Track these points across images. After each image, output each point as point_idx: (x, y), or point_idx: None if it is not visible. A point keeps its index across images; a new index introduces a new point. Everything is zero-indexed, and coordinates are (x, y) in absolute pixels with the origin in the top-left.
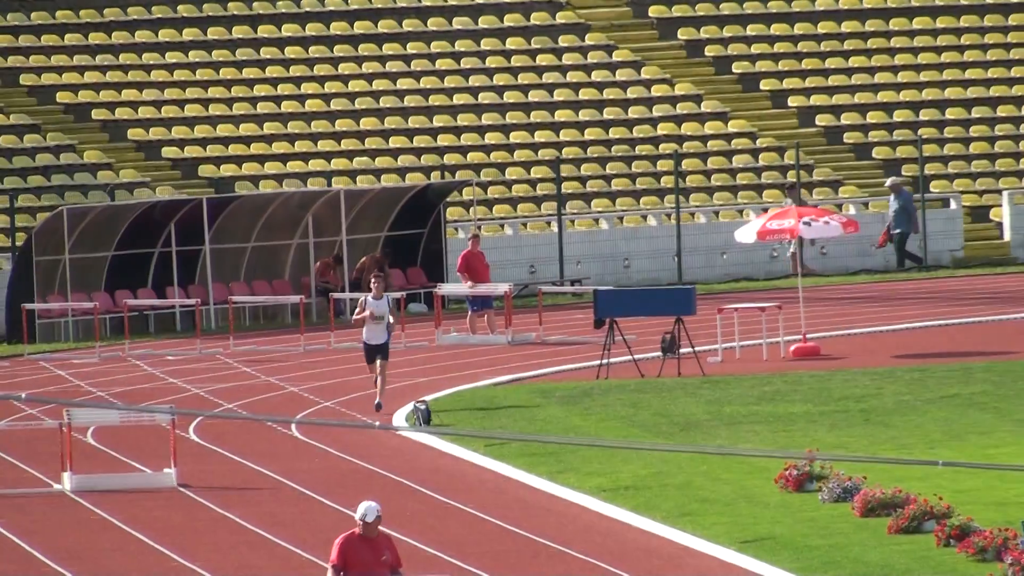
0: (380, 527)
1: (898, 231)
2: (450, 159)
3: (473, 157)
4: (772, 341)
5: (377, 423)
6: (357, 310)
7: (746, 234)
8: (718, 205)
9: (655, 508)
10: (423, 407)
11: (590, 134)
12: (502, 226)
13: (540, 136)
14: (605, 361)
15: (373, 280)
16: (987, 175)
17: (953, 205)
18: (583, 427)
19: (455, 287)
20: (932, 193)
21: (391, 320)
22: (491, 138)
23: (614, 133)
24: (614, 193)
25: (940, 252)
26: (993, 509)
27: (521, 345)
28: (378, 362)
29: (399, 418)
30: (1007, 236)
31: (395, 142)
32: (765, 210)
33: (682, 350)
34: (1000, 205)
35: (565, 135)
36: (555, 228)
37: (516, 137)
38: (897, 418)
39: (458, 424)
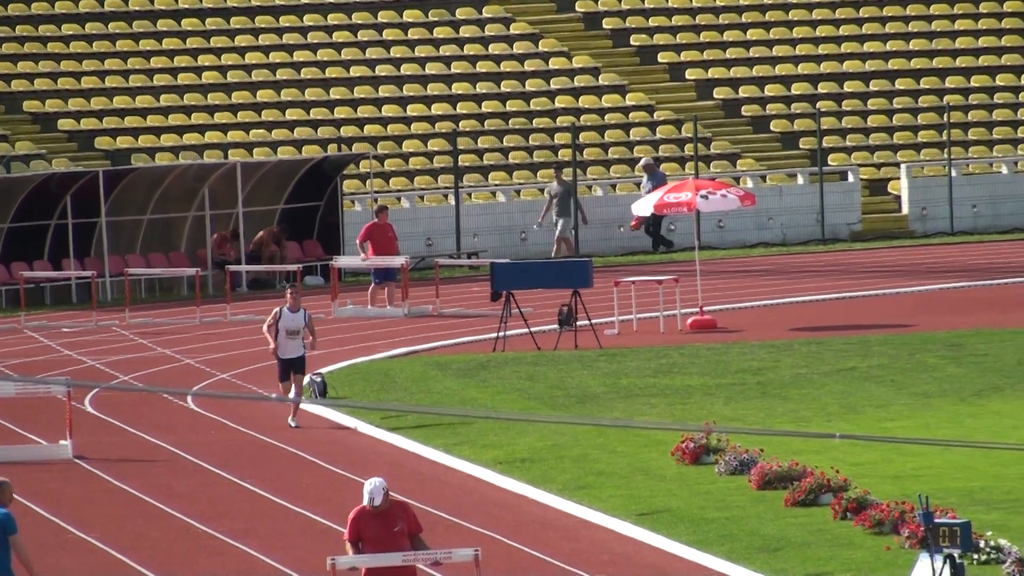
0: (392, 495)
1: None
2: (347, 131)
3: (370, 130)
4: (669, 314)
5: (273, 395)
6: (268, 321)
7: (643, 207)
8: (615, 178)
9: (551, 481)
10: (319, 380)
11: (487, 107)
12: (399, 199)
13: (437, 109)
14: (502, 334)
15: (289, 291)
16: (885, 148)
17: (851, 178)
18: (479, 399)
19: (351, 260)
20: (830, 166)
21: (311, 337)
22: (388, 111)
23: (511, 106)
24: (511, 166)
25: (838, 225)
26: (890, 482)
27: (418, 318)
28: (293, 377)
29: None
30: (905, 209)
31: (292, 114)
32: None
33: (579, 323)
34: (898, 178)
35: (462, 108)
36: (452, 201)
37: (413, 110)
38: (794, 391)
39: (354, 397)
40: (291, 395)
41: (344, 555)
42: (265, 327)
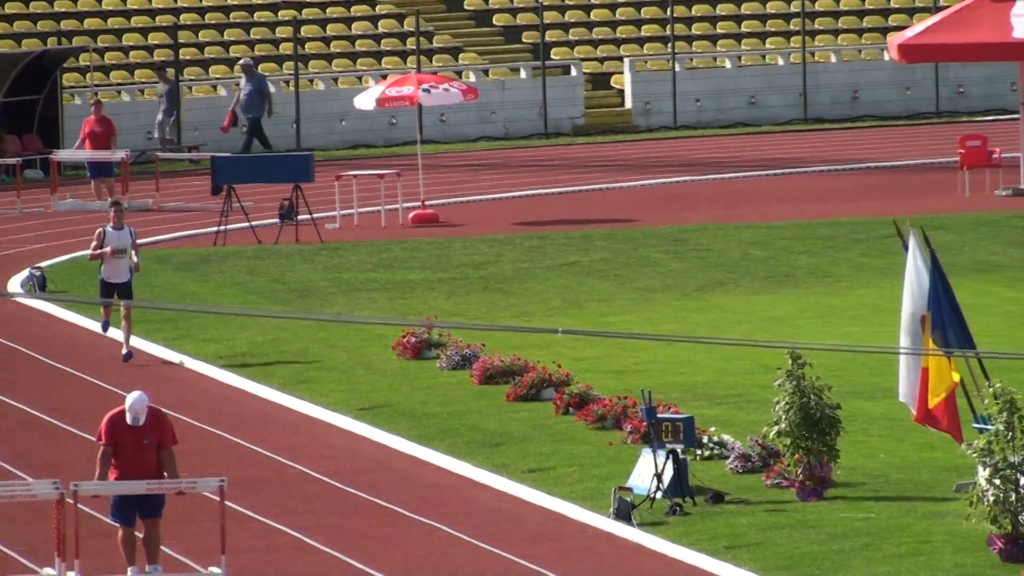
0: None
1: (251, 116)
2: (67, 25)
3: (90, 23)
4: (391, 208)
5: None
6: (93, 243)
7: (365, 101)
8: (337, 72)
9: (272, 375)
10: (39, 273)
11: (208, 1)
12: (119, 92)
13: (158, 2)
14: (222, 228)
15: (112, 209)
16: (608, 42)
17: (574, 72)
18: (200, 294)
19: (72, 153)
20: (553, 61)
21: (135, 258)
22: (108, 4)
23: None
24: (232, 60)
25: (560, 120)
26: (612, 377)
27: (137, 212)
28: (121, 303)
29: (14, 284)
30: (628, 104)
31: (11, 8)
32: (384, 77)
33: (300, 217)
34: (621, 72)
35: (183, 1)
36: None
37: (134, 3)
38: (516, 285)
39: (74, 291)
40: (120, 327)
41: (87, 481)
42: (90, 251)
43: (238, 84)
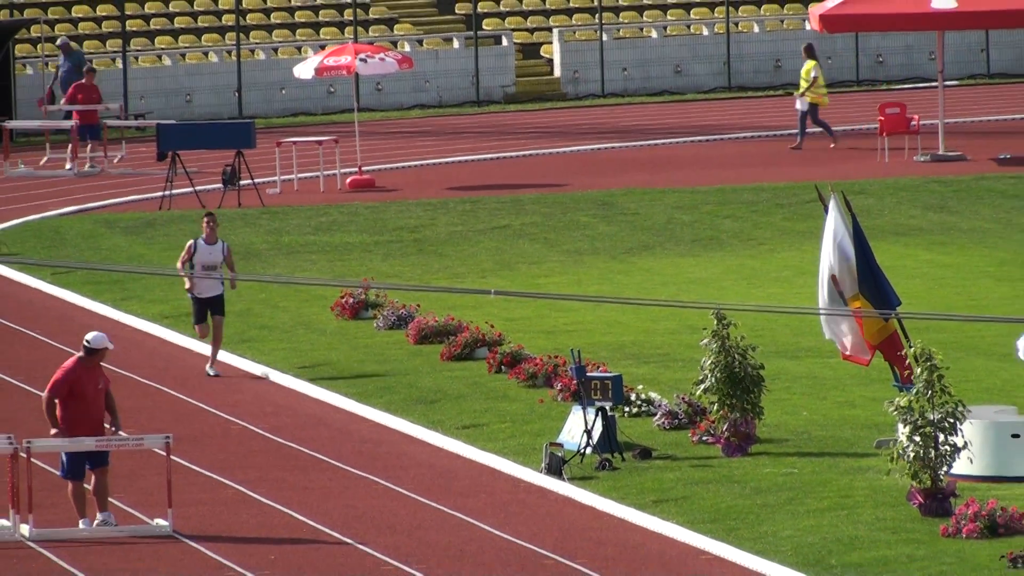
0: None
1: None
2: None
3: None
4: (329, 174)
5: None
6: (183, 255)
7: (304, 70)
8: (277, 42)
9: None
10: None
11: None
12: None
13: None
14: (168, 193)
15: (206, 221)
16: (538, 13)
17: (505, 42)
18: (146, 256)
19: (24, 122)
20: (485, 31)
21: (231, 274)
22: None
23: None
24: (176, 31)
25: (492, 88)
26: (543, 337)
27: (86, 177)
28: (210, 319)
29: None
30: (557, 72)
31: None
32: (323, 47)
33: (242, 182)
34: (551, 42)
35: None
36: (120, 64)
37: None
38: (450, 248)
39: (25, 253)
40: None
41: (40, 438)
42: (179, 263)
43: (56, 63)
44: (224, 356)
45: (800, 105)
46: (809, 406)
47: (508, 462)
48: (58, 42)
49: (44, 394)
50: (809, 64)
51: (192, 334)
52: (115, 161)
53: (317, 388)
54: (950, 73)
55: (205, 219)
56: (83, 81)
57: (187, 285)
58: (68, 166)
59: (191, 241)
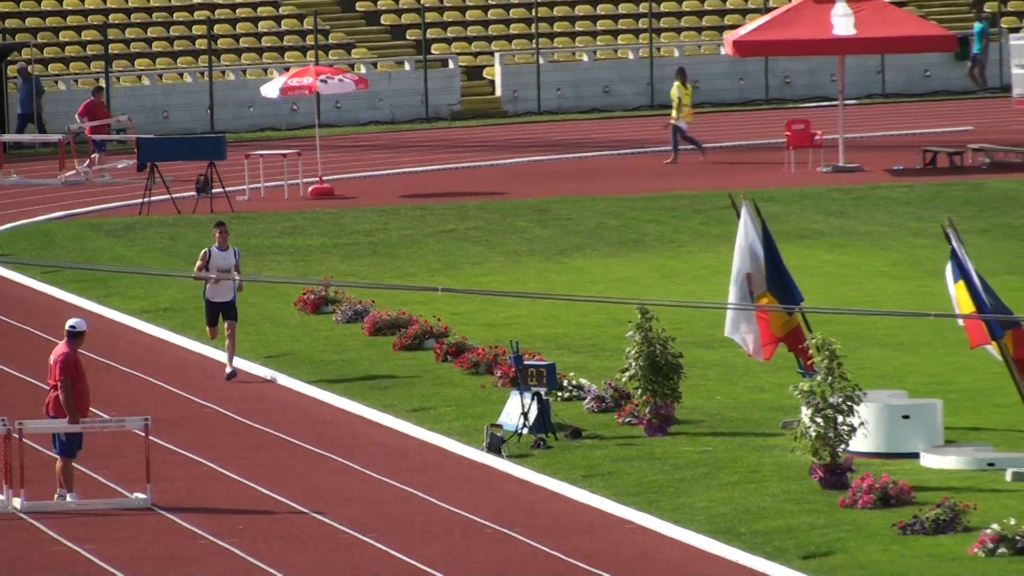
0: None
1: (21, 113)
2: (11, 24)
3: (31, 22)
4: (293, 183)
5: None
6: (199, 263)
7: (270, 90)
8: (246, 64)
9: (190, 327)
10: None
11: (133, 2)
12: (56, 82)
13: (90, 3)
14: (147, 200)
15: (217, 230)
16: (481, 39)
17: (451, 65)
18: (128, 256)
19: (16, 136)
20: (433, 55)
21: (238, 278)
22: (47, 5)
23: (155, 1)
24: (154, 54)
25: (440, 106)
26: (485, 329)
27: (73, 186)
28: (224, 324)
29: None
30: (498, 92)
31: None
32: (287, 69)
33: (214, 190)
34: (493, 65)
35: (112, 2)
36: (103, 84)
37: (69, 4)
38: (401, 249)
39: (17, 254)
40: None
41: (32, 420)
42: (195, 270)
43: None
44: (197, 347)
45: (679, 123)
46: (722, 391)
47: (453, 441)
48: (17, 67)
49: (59, 380)
50: (675, 86)
51: (176, 327)
52: (119, 167)
53: (282, 375)
54: (850, 93)
55: (216, 228)
56: (92, 100)
57: (208, 285)
58: (81, 171)
59: (205, 249)
